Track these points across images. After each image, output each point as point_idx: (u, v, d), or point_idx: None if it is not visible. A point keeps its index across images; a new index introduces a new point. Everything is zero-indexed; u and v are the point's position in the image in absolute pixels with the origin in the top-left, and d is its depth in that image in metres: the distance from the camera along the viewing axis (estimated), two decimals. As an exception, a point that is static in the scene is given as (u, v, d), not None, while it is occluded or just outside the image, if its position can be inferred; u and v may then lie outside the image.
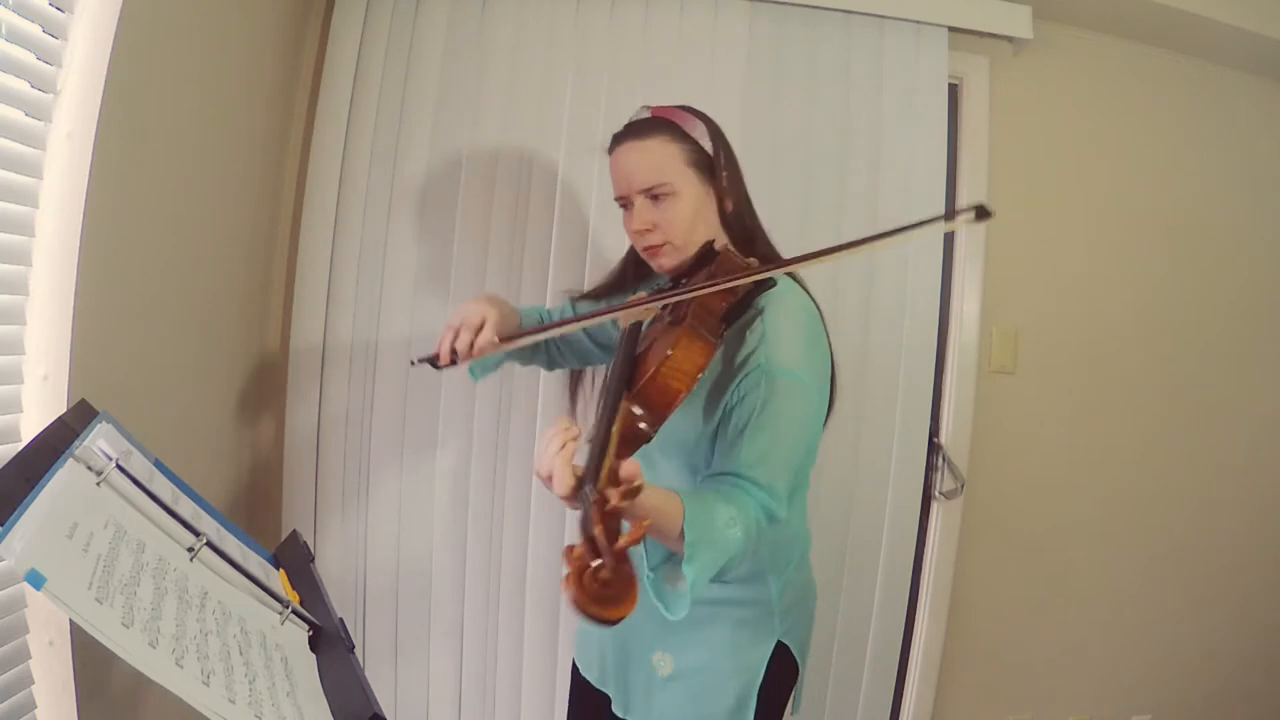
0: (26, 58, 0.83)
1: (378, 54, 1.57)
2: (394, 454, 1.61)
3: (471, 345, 0.97)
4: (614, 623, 0.58)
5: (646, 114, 1.03)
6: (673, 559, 0.80)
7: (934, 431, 1.78)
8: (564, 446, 0.69)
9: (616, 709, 1.08)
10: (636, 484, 0.64)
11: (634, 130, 1.01)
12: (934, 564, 1.80)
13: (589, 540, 0.60)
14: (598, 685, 1.12)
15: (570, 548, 0.61)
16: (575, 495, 0.67)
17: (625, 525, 0.63)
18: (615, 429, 0.71)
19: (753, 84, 1.64)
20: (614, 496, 0.61)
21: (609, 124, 1.60)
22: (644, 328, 0.96)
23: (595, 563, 0.58)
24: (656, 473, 1.01)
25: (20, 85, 0.83)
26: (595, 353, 1.23)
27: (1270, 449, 1.95)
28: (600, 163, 1.59)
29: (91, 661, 0.90)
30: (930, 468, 1.77)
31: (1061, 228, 1.84)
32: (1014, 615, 1.87)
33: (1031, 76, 1.82)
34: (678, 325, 0.84)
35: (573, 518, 1.61)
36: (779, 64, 1.65)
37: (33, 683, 0.86)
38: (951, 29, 1.70)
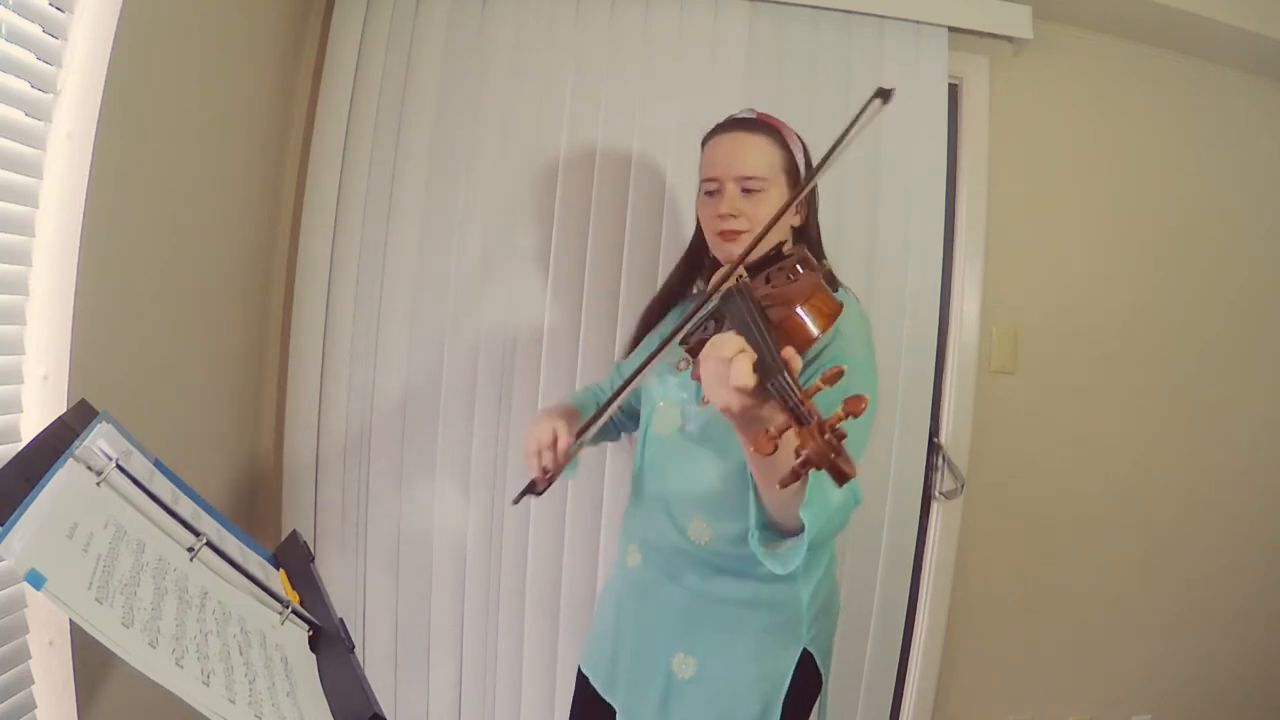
0: (26, 58, 0.83)
1: (378, 54, 1.57)
2: (394, 454, 1.61)
3: (555, 459, 1.02)
4: (849, 478, 0.62)
5: (753, 114, 1.08)
6: (768, 528, 0.82)
7: (934, 431, 1.78)
8: (742, 350, 0.70)
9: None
10: (842, 368, 0.66)
11: (742, 124, 1.07)
12: (934, 564, 1.80)
13: (796, 416, 0.64)
14: (604, 693, 1.11)
15: (764, 430, 0.65)
16: (758, 390, 0.68)
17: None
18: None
19: (753, 84, 1.63)
20: (824, 380, 0.65)
21: (609, 124, 1.62)
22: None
23: (831, 423, 0.62)
24: (693, 459, 1.03)
25: (20, 85, 0.83)
26: (640, 411, 1.23)
27: (1270, 449, 1.95)
28: (602, 162, 1.60)
29: (91, 661, 0.90)
30: (930, 468, 1.77)
31: (1061, 228, 1.84)
32: (1014, 615, 1.87)
33: (1031, 76, 1.82)
34: (805, 280, 0.86)
35: (573, 523, 1.61)
36: (779, 64, 1.65)
37: (33, 683, 0.86)
38: (951, 29, 1.70)
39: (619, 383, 1.17)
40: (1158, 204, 1.88)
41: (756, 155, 1.02)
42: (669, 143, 1.60)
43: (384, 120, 1.58)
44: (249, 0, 1.30)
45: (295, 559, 0.96)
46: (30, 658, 0.86)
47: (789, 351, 0.70)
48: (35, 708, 0.86)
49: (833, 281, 1.02)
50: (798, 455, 0.62)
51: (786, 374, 0.67)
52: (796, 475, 0.63)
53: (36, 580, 0.53)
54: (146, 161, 1.02)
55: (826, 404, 0.66)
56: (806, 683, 1.02)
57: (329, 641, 0.81)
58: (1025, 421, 1.84)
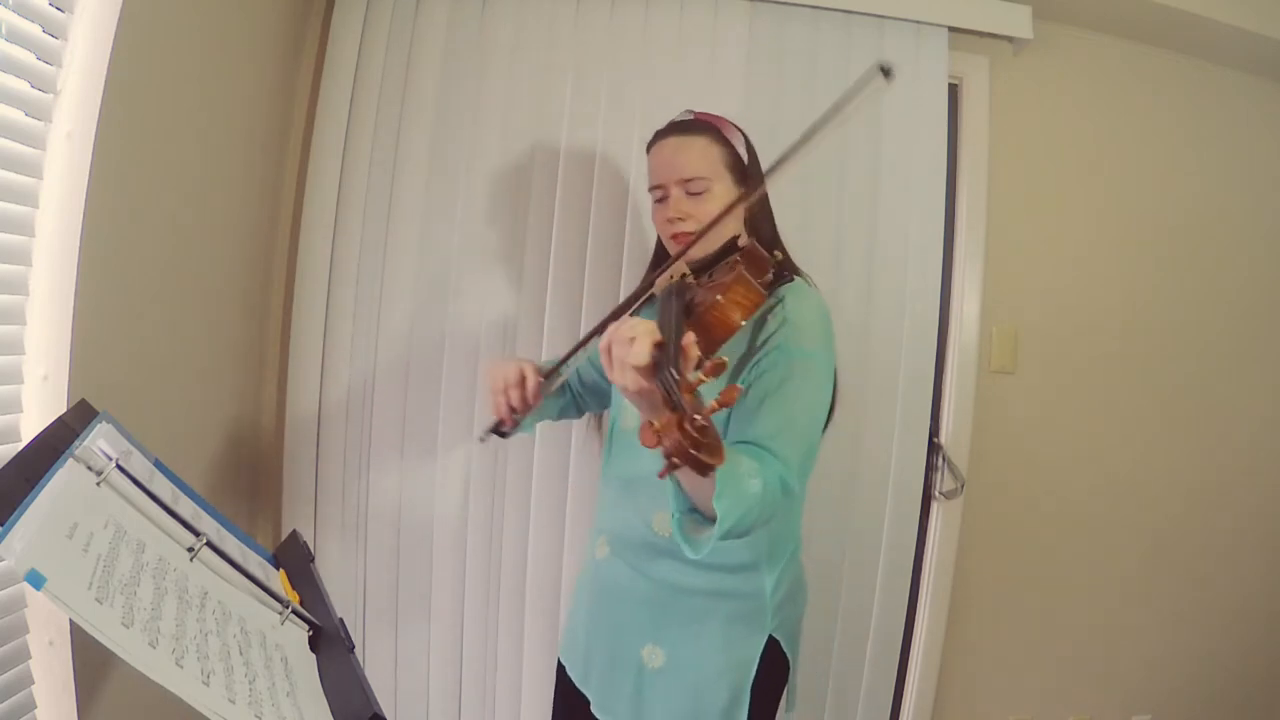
0: (26, 58, 0.83)
1: (378, 54, 1.57)
2: (394, 454, 1.61)
3: (523, 397, 1.02)
4: (710, 469, 0.63)
5: (690, 116, 1.10)
6: (694, 511, 0.83)
7: (934, 431, 1.78)
8: (647, 333, 0.71)
9: (596, 710, 1.08)
10: (724, 360, 0.66)
11: (679, 127, 1.08)
12: (934, 564, 1.80)
13: (674, 407, 0.64)
14: (579, 684, 1.12)
15: (648, 423, 0.65)
16: (652, 371, 0.69)
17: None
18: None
19: (753, 84, 1.63)
20: (706, 373, 0.66)
21: (609, 124, 1.62)
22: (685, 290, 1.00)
23: (693, 416, 0.62)
24: (657, 453, 1.03)
25: (20, 85, 0.83)
26: (609, 392, 1.27)
27: (1270, 449, 1.95)
28: (602, 162, 1.60)
29: (91, 661, 0.90)
30: (930, 468, 1.77)
31: (1061, 228, 1.84)
32: (1014, 615, 1.87)
33: (1031, 76, 1.82)
34: (732, 276, 0.87)
35: (573, 518, 1.61)
36: (779, 64, 1.65)
37: (33, 683, 0.86)
38: (951, 29, 1.70)
39: (585, 364, 1.23)
40: (1158, 204, 1.88)
41: (696, 156, 1.04)
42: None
43: (384, 120, 1.58)
44: (249, 0, 1.30)
45: (295, 559, 0.96)
46: (30, 658, 0.86)
47: (688, 339, 0.71)
48: (35, 708, 0.86)
49: (788, 270, 1.05)
50: (664, 443, 0.64)
51: (674, 366, 0.67)
52: (668, 468, 0.64)
53: (36, 580, 0.53)
54: (146, 161, 1.02)
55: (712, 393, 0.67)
56: (774, 667, 1.03)
57: (329, 641, 0.81)
58: (1025, 421, 1.84)
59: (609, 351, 0.74)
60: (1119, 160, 1.86)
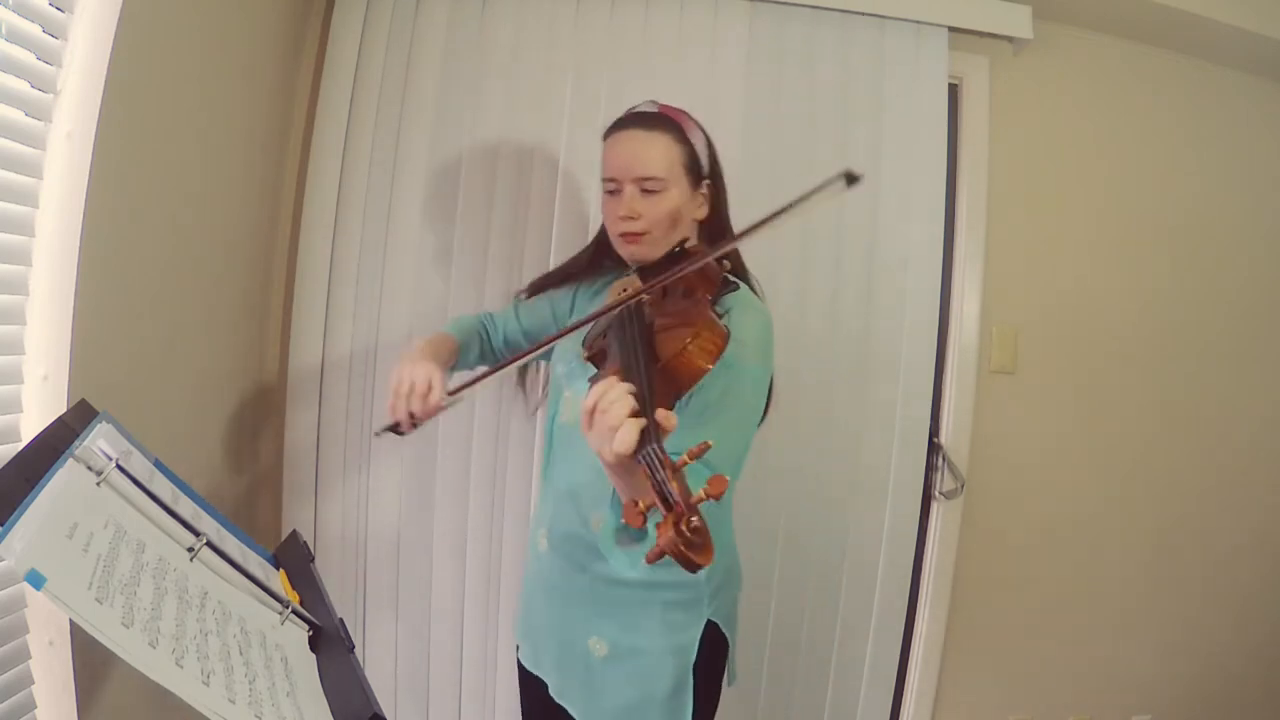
0: (26, 58, 0.83)
1: (378, 54, 1.57)
2: (394, 454, 1.61)
3: (423, 409, 0.99)
4: (699, 568, 0.62)
5: (654, 108, 1.07)
6: (628, 527, 0.82)
7: (934, 431, 1.78)
8: (636, 410, 0.70)
9: (553, 693, 1.10)
10: (709, 443, 0.66)
11: (639, 120, 1.05)
12: (934, 564, 1.80)
13: (661, 496, 0.64)
14: (534, 670, 1.14)
15: (633, 501, 0.64)
16: (638, 453, 0.68)
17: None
18: (654, 398, 0.73)
19: (753, 84, 1.63)
20: (688, 455, 0.65)
21: (609, 125, 1.62)
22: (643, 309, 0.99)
23: (689, 515, 0.62)
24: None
25: (20, 85, 0.83)
26: (524, 346, 1.24)
27: (1270, 448, 1.95)
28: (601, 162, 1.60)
29: (91, 661, 0.90)
30: (930, 468, 1.77)
31: (1061, 228, 1.84)
32: (1014, 615, 1.87)
33: (1031, 76, 1.82)
34: (677, 310, 0.88)
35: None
36: (779, 64, 1.65)
37: (33, 683, 0.86)
38: (951, 29, 1.70)
39: (514, 326, 1.22)
40: (1158, 204, 1.88)
41: (656, 155, 1.02)
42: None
43: (384, 120, 1.57)
44: (249, 0, 1.30)
45: (295, 559, 0.96)
46: (30, 658, 0.86)
47: (661, 415, 0.70)
48: (35, 708, 0.86)
49: (740, 276, 1.05)
50: (658, 537, 0.63)
51: (657, 444, 0.67)
52: (654, 556, 0.63)
53: (36, 580, 0.53)
54: (146, 161, 1.02)
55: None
56: (715, 648, 1.06)
57: (329, 641, 0.81)
58: (1025, 421, 1.83)
59: (590, 417, 0.72)
60: (1119, 160, 1.86)
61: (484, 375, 1.01)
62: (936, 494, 1.79)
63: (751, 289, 1.08)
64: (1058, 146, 1.84)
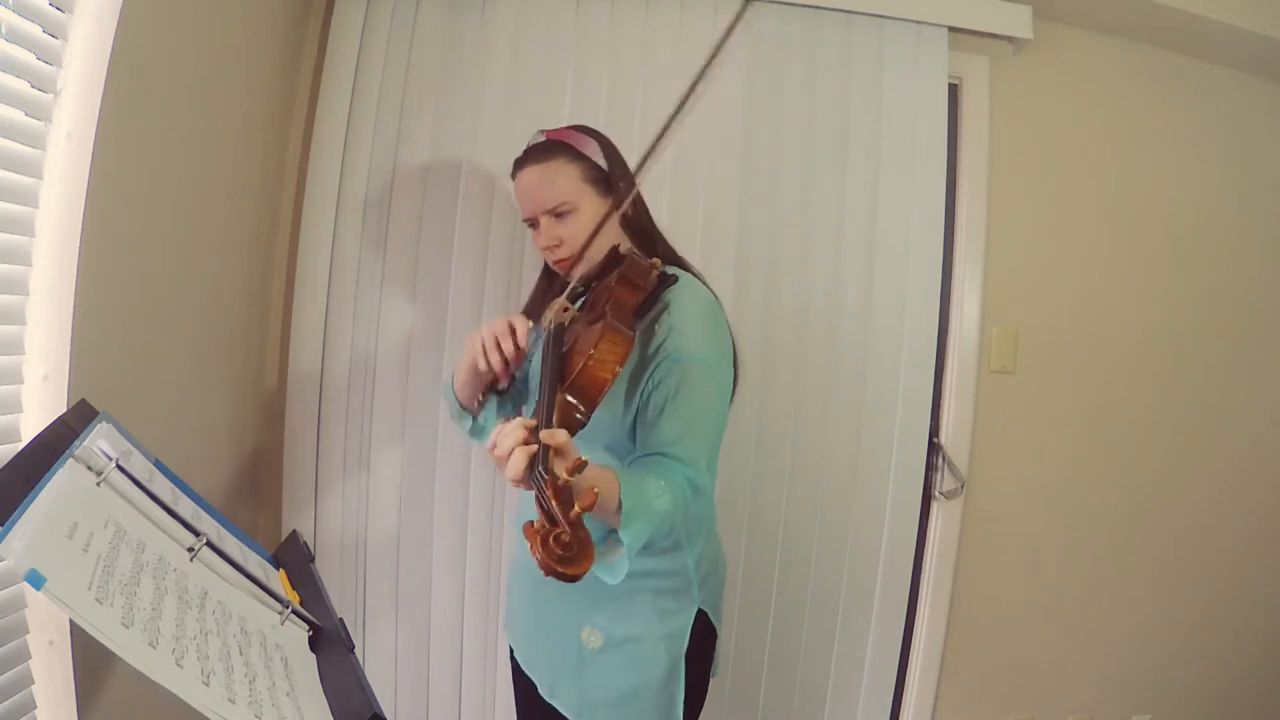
0: (26, 58, 0.83)
1: (378, 54, 1.57)
2: (394, 454, 1.61)
3: (515, 345, 1.01)
4: (576, 578, 0.66)
5: (542, 138, 1.11)
6: (610, 535, 0.86)
7: (934, 431, 1.78)
8: (525, 439, 0.76)
9: (544, 693, 1.10)
10: (582, 459, 0.71)
11: (533, 155, 1.10)
12: (934, 564, 1.80)
13: (546, 513, 0.68)
14: (525, 668, 1.14)
15: (530, 523, 0.69)
16: (527, 477, 0.73)
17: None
18: (555, 418, 0.80)
19: (753, 84, 1.63)
20: (562, 471, 0.70)
21: (609, 124, 1.60)
22: (565, 329, 1.03)
23: (557, 531, 0.67)
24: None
25: (20, 85, 0.83)
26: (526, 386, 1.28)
27: (1273, 448, 1.95)
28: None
29: (91, 661, 0.90)
30: (930, 468, 1.77)
31: (1061, 227, 1.84)
32: (1014, 615, 1.87)
33: (1031, 76, 1.82)
34: (598, 322, 0.91)
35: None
36: (779, 64, 1.65)
37: (33, 683, 0.86)
38: (951, 29, 1.70)
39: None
40: (1158, 203, 1.88)
41: (556, 181, 1.06)
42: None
43: (384, 121, 1.57)
44: (249, 1, 1.30)
45: (295, 559, 0.96)
46: (30, 658, 0.86)
47: (546, 435, 0.75)
48: (35, 708, 0.86)
49: (672, 266, 1.07)
50: (531, 553, 0.67)
51: (543, 466, 0.71)
52: (545, 571, 0.67)
53: (36, 580, 0.53)
54: (146, 162, 1.02)
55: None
56: (704, 636, 1.07)
57: (329, 641, 0.81)
58: (1025, 421, 1.84)
59: (492, 453, 0.77)
60: (1119, 160, 1.86)
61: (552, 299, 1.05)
62: (936, 494, 1.79)
63: (692, 274, 1.08)
64: (1058, 146, 1.84)
